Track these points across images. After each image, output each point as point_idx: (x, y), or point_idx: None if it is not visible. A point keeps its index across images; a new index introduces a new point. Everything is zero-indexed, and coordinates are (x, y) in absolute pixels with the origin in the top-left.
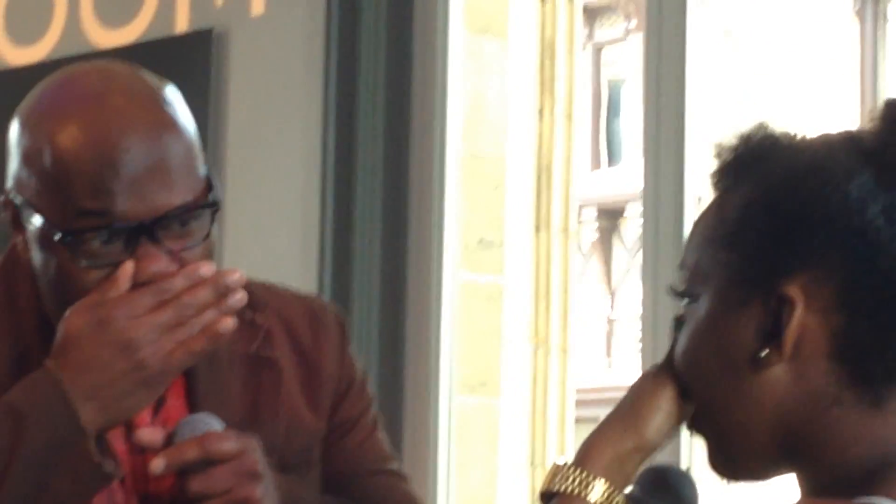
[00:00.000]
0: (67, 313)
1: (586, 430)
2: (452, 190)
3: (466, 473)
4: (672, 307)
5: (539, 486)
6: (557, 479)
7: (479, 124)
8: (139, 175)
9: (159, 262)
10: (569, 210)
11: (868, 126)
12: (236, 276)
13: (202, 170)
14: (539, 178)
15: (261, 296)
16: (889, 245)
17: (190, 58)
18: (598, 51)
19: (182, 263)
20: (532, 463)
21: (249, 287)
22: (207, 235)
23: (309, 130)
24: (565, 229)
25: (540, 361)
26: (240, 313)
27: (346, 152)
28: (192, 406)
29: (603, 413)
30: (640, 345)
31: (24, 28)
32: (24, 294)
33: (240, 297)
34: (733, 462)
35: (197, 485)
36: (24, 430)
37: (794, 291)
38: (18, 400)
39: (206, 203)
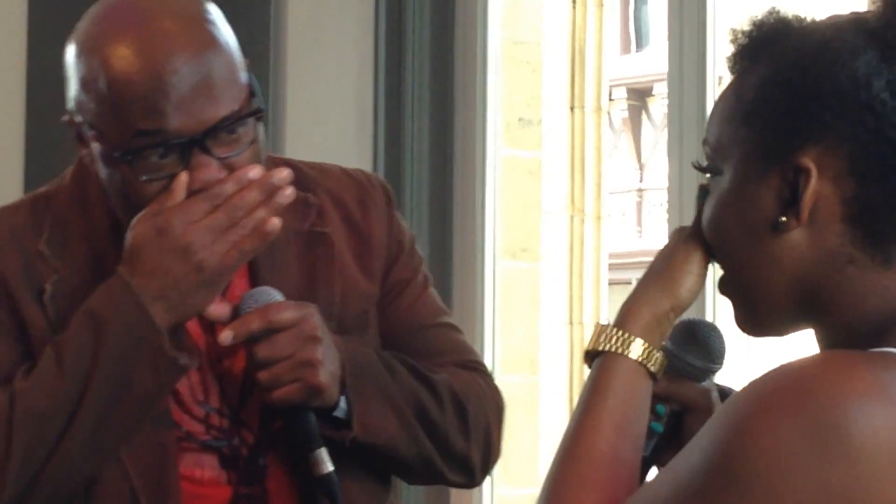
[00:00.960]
0: (133, 223)
1: (619, 292)
2: (494, 72)
3: (510, 331)
4: (696, 178)
5: (576, 342)
6: (602, 340)
7: (518, 12)
8: (187, 93)
9: (211, 170)
10: (601, 90)
11: (872, 8)
12: (284, 174)
13: (244, 79)
14: (573, 61)
15: (313, 177)
16: (894, 116)
17: (254, 4)
18: None
19: (232, 168)
20: (570, 321)
21: (302, 169)
22: (254, 140)
23: (360, 26)
24: (598, 108)
25: (576, 229)
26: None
27: (396, 45)
28: (254, 283)
29: (634, 276)
30: (668, 214)
31: None
32: (95, 201)
33: (288, 194)
34: (757, 319)
35: (262, 351)
36: (104, 333)
37: (808, 161)
38: (97, 306)
39: (250, 111)
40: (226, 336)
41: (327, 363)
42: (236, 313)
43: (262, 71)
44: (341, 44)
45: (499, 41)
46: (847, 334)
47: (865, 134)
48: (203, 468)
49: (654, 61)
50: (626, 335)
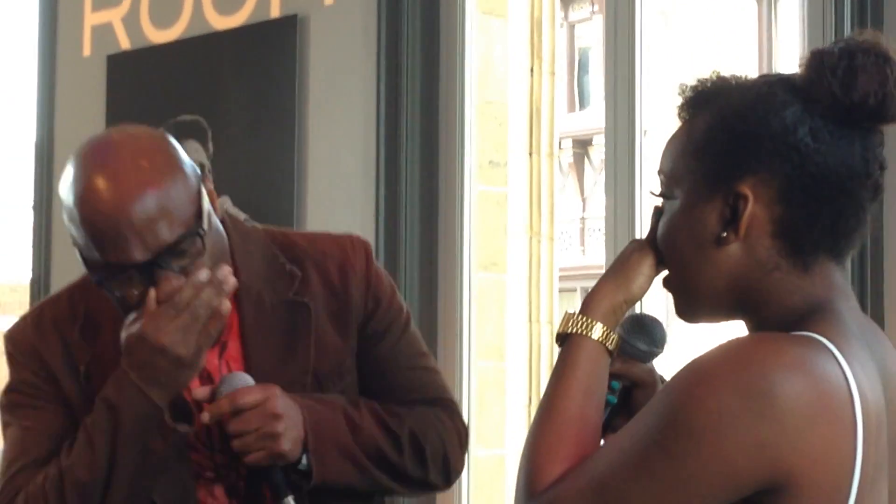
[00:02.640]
0: (122, 330)
1: (567, 297)
2: (470, 125)
3: (483, 327)
4: (628, 209)
5: (534, 336)
6: (570, 324)
7: (489, 79)
8: (144, 229)
9: (171, 282)
10: (553, 140)
11: (799, 71)
12: (225, 270)
13: (191, 199)
14: (531, 117)
15: (303, 248)
16: (814, 156)
17: (281, 37)
18: (571, 27)
19: (188, 273)
20: (529, 320)
21: (297, 243)
22: (202, 248)
23: (366, 88)
24: (550, 154)
25: (534, 248)
26: (280, 266)
27: (394, 103)
28: (244, 344)
29: (579, 285)
30: (605, 236)
31: (162, 13)
32: None
33: (231, 283)
34: (695, 310)
35: (232, 426)
36: (119, 417)
37: (746, 189)
38: (111, 394)
39: (194, 232)
40: (204, 416)
41: (288, 433)
42: (213, 396)
43: (289, 126)
44: (351, 104)
45: (474, 101)
46: (773, 324)
47: (792, 169)
48: (214, 497)
49: (593, 118)
50: (589, 320)
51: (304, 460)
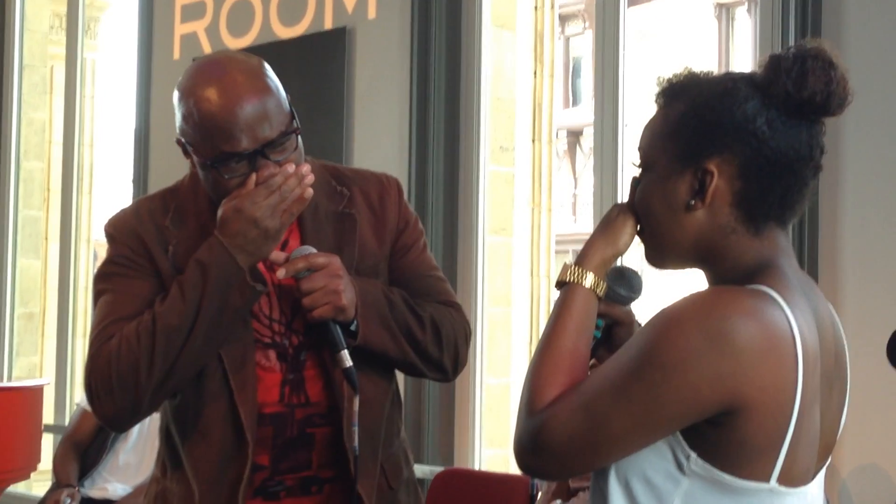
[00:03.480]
0: (222, 204)
1: (560, 258)
2: (485, 117)
3: (494, 280)
4: (612, 185)
5: (535, 287)
6: (567, 274)
7: (501, 79)
8: (252, 123)
9: (269, 169)
10: (551, 129)
11: (758, 71)
12: (306, 168)
13: (287, 109)
14: (534, 111)
15: (349, 176)
16: (769, 142)
17: (332, 45)
18: (567, 39)
19: (282, 166)
20: (531, 274)
21: (342, 171)
22: (295, 148)
23: (401, 87)
24: (549, 142)
25: (535, 217)
26: (331, 187)
27: (423, 102)
28: (303, 242)
29: (571, 248)
30: (592, 208)
31: (237, 24)
32: (202, 193)
33: (310, 178)
34: (663, 259)
35: (305, 284)
36: (207, 273)
37: (712, 166)
38: (202, 256)
39: (291, 130)
40: (280, 273)
41: (346, 292)
42: (288, 258)
43: (339, 118)
44: (389, 100)
45: (488, 97)
46: (729, 277)
47: (750, 152)
48: (268, 360)
49: (584, 113)
50: (583, 271)
51: (353, 326)
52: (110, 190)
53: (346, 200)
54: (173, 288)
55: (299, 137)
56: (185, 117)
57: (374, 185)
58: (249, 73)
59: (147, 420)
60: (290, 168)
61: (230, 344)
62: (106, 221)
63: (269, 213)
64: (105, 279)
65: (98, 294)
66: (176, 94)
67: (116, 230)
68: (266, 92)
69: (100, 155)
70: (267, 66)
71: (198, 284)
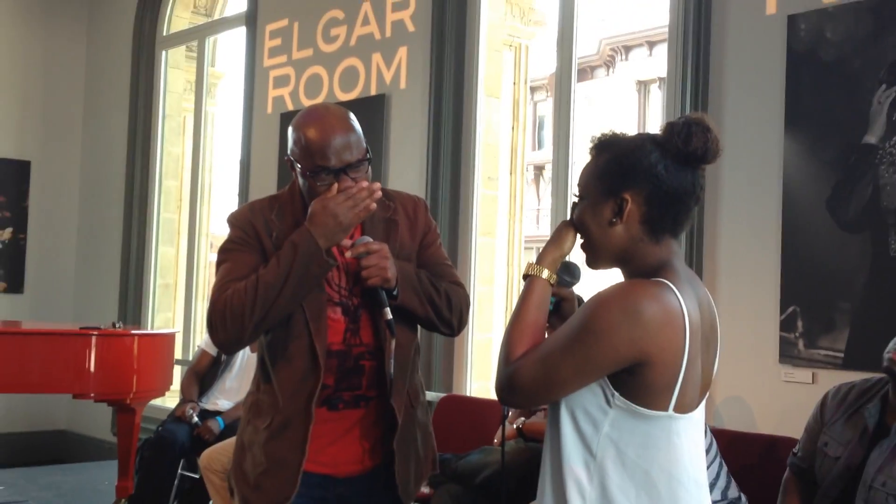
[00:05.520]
0: (312, 203)
1: (528, 254)
2: (479, 157)
3: (483, 268)
4: (566, 206)
5: (511, 275)
6: (530, 269)
7: (489, 132)
8: (339, 148)
9: (347, 182)
10: (524, 165)
11: (659, 132)
12: (376, 185)
13: (364, 145)
14: (512, 152)
15: (394, 194)
16: (666, 181)
17: (377, 106)
18: (535, 103)
19: (356, 182)
20: (507, 264)
21: (389, 191)
22: (367, 171)
23: (421, 137)
24: (521, 173)
25: (511, 224)
26: (381, 201)
27: (437, 150)
28: (362, 234)
29: (535, 246)
30: (550, 220)
31: (311, 90)
32: (298, 198)
33: (378, 194)
34: (596, 261)
35: (364, 261)
36: (297, 250)
37: (628, 196)
38: (294, 238)
39: (367, 159)
40: (347, 253)
41: (391, 268)
42: (353, 244)
43: (378, 152)
44: (413, 150)
45: (481, 143)
46: (638, 272)
47: (653, 188)
48: (336, 313)
49: (546, 153)
50: (541, 267)
51: (395, 292)
52: (223, 201)
53: (391, 210)
54: (273, 259)
55: (369, 168)
56: (295, 142)
57: (409, 201)
58: (341, 116)
59: (245, 358)
60: (364, 184)
61: (310, 301)
62: (228, 214)
63: (344, 211)
64: (225, 252)
65: (220, 263)
66: (290, 129)
67: (235, 219)
68: (351, 130)
69: (216, 177)
70: (352, 115)
71: (289, 256)
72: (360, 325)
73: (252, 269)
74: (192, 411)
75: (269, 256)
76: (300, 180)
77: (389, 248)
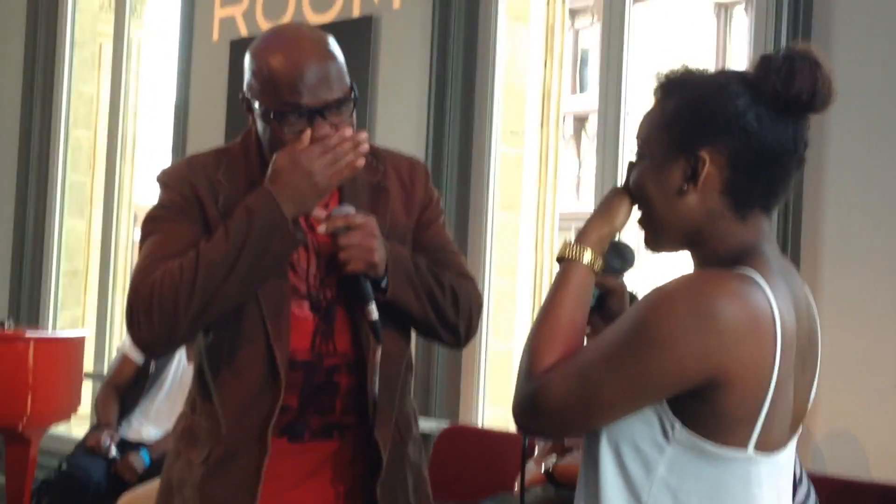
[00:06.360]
0: (275, 155)
1: (563, 234)
2: (498, 102)
3: (501, 252)
4: (613, 167)
5: (538, 261)
6: (567, 250)
7: (513, 68)
8: (314, 82)
9: (325, 129)
10: (559, 115)
11: (750, 68)
12: (363, 135)
13: (348, 81)
14: (543, 98)
15: (383, 154)
16: (757, 135)
17: (359, 32)
18: (576, 32)
19: (336, 130)
20: (535, 249)
21: (378, 149)
22: (351, 114)
23: (421, 73)
24: (557, 125)
25: (541, 195)
26: (368, 161)
27: (441, 88)
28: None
29: (574, 225)
30: (594, 189)
31: (272, 10)
32: (253, 152)
33: (365, 147)
34: (658, 242)
35: (343, 240)
36: (253, 218)
37: (705, 155)
38: (250, 202)
39: (351, 99)
40: (321, 228)
41: (379, 250)
42: (329, 217)
43: (363, 102)
44: (410, 86)
45: (501, 84)
46: (714, 259)
47: (740, 145)
48: (302, 310)
49: (589, 100)
50: (582, 248)
51: (383, 283)
52: (151, 158)
53: (380, 174)
54: (220, 229)
55: (354, 112)
56: (255, 73)
57: (405, 165)
58: (317, 40)
59: (181, 370)
60: (348, 132)
61: (268, 291)
62: (161, 171)
63: (322, 169)
64: (154, 221)
65: (146, 235)
66: (248, 56)
67: (169, 178)
68: (330, 58)
69: (142, 126)
70: (332, 39)
71: (242, 227)
72: (334, 328)
73: (189, 245)
74: (108, 441)
75: (213, 229)
76: (259, 126)
77: (377, 224)
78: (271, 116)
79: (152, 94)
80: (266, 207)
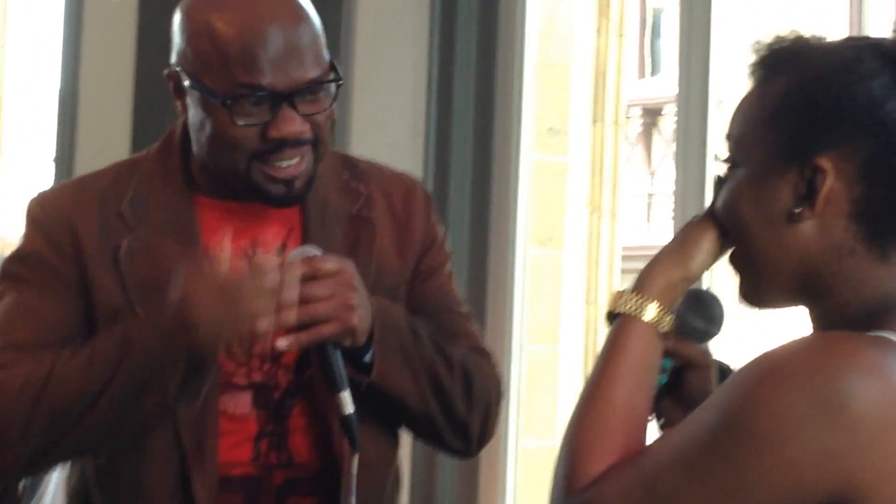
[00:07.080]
0: (186, 272)
1: (629, 279)
2: (528, 88)
3: (536, 309)
4: (697, 184)
5: (592, 319)
6: (621, 303)
7: (551, 38)
8: (280, 55)
9: (294, 124)
10: (619, 107)
11: (890, 36)
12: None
13: (326, 55)
14: (596, 81)
15: (367, 171)
16: None
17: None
18: None
19: (313, 124)
20: (587, 301)
21: (359, 164)
22: (331, 104)
23: (416, 45)
24: (616, 122)
25: (594, 223)
26: (344, 182)
27: (446, 66)
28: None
29: (643, 265)
30: (672, 213)
31: None
32: (176, 170)
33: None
34: (759, 293)
35: (305, 291)
36: (129, 357)
37: (826, 163)
38: (133, 334)
39: (331, 79)
40: (281, 343)
41: (360, 308)
42: (283, 263)
43: None
44: (399, 63)
45: (534, 62)
46: (842, 316)
47: (877, 146)
48: (238, 405)
49: (664, 85)
50: (643, 299)
51: (366, 358)
52: (22, 171)
53: (362, 201)
54: (83, 352)
55: (336, 96)
56: (191, 38)
57: (398, 187)
58: None
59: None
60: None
61: (184, 390)
62: (33, 197)
63: (253, 294)
64: (9, 278)
65: None
66: (178, 16)
67: (45, 214)
68: (302, 20)
69: (9, 123)
70: None
71: (112, 361)
72: (287, 428)
73: (56, 327)
74: None
75: (100, 297)
76: (194, 117)
77: (359, 272)
78: (222, 102)
79: (26, 75)
80: (155, 345)
